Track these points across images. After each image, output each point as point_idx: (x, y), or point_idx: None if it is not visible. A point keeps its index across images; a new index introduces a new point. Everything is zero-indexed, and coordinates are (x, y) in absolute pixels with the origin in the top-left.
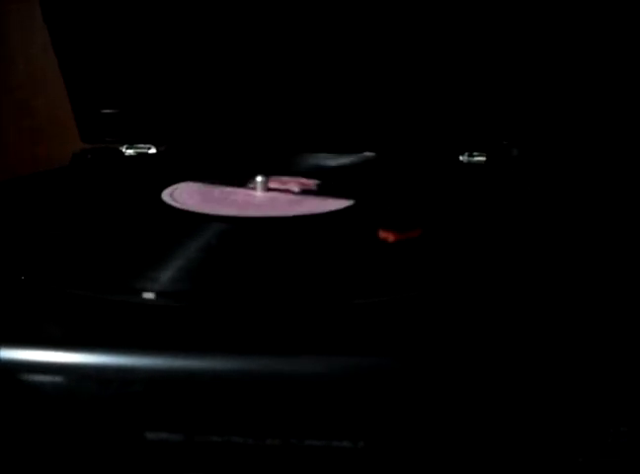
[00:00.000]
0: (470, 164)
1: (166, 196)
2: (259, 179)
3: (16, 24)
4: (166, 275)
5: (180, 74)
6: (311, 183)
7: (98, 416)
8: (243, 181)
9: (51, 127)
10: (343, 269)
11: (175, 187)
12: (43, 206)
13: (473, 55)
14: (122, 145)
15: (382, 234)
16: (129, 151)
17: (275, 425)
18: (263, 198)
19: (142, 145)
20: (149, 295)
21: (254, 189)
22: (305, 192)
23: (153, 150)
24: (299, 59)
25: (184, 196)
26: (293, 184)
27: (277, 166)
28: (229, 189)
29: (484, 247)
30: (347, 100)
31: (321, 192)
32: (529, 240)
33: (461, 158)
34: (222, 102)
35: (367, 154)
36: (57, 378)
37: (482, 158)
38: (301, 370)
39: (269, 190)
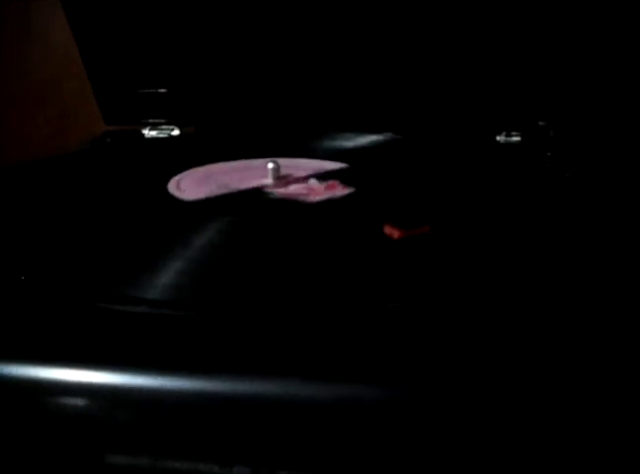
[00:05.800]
0: (508, 144)
1: (172, 185)
2: (270, 165)
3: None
4: (161, 280)
5: (205, 52)
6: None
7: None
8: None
9: (79, 110)
10: (342, 270)
11: (185, 173)
12: (55, 194)
13: (509, 35)
14: (146, 127)
15: (387, 230)
16: (152, 133)
17: (244, 452)
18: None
19: (166, 127)
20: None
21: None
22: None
23: (177, 132)
24: (334, 32)
25: (192, 185)
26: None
27: (296, 149)
28: (242, 175)
29: (500, 247)
30: (379, 79)
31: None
32: (545, 243)
33: (498, 138)
34: (248, 80)
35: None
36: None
37: (517, 138)
38: (277, 394)
39: (279, 178)
